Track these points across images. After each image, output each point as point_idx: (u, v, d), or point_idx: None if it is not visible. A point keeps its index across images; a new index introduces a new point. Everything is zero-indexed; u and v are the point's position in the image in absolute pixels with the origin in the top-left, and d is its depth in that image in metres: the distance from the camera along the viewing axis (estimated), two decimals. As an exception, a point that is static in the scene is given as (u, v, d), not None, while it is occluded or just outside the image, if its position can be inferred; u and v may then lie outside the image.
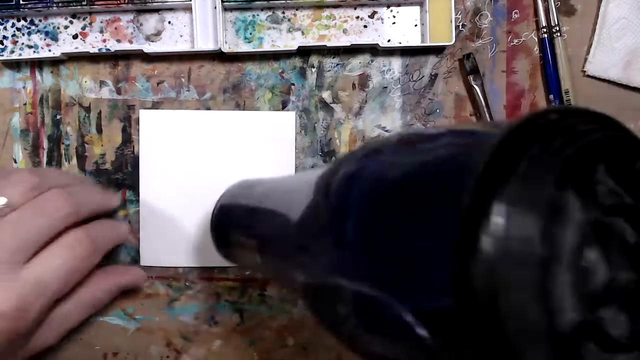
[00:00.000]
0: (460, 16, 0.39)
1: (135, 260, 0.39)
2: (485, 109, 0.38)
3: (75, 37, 0.37)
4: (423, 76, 0.39)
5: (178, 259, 0.38)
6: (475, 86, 0.38)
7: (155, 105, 0.39)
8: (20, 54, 0.37)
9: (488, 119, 0.38)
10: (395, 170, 0.16)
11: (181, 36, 0.37)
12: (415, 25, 0.38)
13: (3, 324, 0.29)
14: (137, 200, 0.38)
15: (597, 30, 0.38)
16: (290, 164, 0.38)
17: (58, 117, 0.39)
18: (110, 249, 0.35)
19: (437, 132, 0.17)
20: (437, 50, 0.39)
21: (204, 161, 0.38)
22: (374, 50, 0.39)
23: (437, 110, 0.39)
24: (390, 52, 0.39)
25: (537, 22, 0.39)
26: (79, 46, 0.37)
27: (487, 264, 0.12)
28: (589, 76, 0.39)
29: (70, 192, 0.31)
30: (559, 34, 0.38)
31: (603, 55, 0.38)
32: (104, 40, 0.37)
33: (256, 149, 0.38)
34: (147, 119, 0.38)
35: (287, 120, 0.38)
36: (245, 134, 0.38)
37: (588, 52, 0.39)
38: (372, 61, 0.39)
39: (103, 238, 0.33)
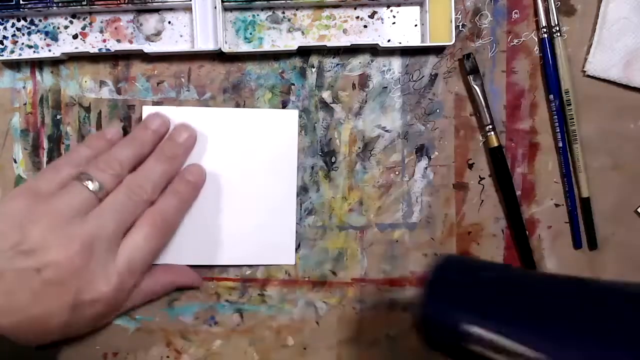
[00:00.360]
0: (460, 16, 0.39)
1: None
2: (485, 109, 0.38)
3: (75, 37, 0.37)
4: (423, 76, 0.39)
5: (182, 257, 0.38)
6: (475, 86, 0.38)
7: (156, 105, 0.39)
8: (20, 54, 0.37)
9: (488, 119, 0.38)
10: None
11: (181, 36, 0.37)
12: (415, 25, 0.38)
13: (101, 307, 0.32)
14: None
15: (597, 30, 0.38)
16: (292, 162, 0.38)
17: (58, 117, 0.39)
18: (179, 222, 0.37)
19: None
20: (437, 50, 0.39)
21: (205, 158, 0.38)
22: (374, 50, 0.39)
23: (437, 110, 0.39)
24: (390, 52, 0.39)
25: (537, 22, 0.39)
26: (79, 46, 0.37)
27: None
28: (589, 76, 0.39)
29: (146, 174, 0.35)
30: (559, 34, 0.38)
31: (603, 55, 0.38)
32: (104, 40, 0.37)
33: (258, 147, 0.38)
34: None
35: (290, 118, 0.38)
36: (248, 132, 0.38)
37: (588, 52, 0.39)
38: (372, 61, 0.39)
39: (171, 214, 0.35)
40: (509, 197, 0.39)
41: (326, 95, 0.39)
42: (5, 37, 0.37)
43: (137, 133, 0.36)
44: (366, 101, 0.39)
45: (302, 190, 0.39)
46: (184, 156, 0.37)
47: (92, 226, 0.31)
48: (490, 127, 0.38)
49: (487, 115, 0.38)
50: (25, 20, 0.37)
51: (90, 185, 0.33)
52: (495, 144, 0.38)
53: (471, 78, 0.38)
